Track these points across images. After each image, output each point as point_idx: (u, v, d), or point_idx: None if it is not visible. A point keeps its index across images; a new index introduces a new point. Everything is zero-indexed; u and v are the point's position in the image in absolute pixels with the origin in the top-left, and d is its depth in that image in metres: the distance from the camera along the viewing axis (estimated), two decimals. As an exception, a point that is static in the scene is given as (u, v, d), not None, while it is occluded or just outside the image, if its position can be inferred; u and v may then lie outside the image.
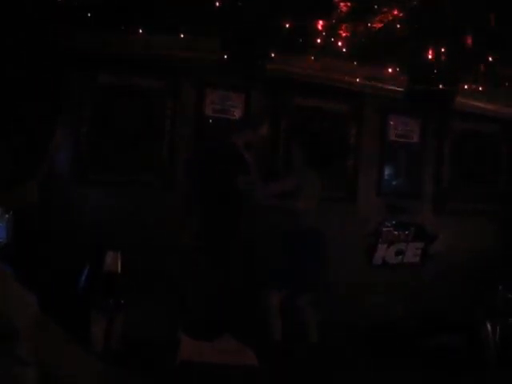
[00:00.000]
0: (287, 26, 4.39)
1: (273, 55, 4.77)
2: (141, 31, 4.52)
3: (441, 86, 4.90)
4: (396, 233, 5.17)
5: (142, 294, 2.62)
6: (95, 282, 2.27)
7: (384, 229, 5.12)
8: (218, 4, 4.03)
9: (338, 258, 4.61)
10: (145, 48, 4.60)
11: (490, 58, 4.39)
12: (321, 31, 4.52)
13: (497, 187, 5.64)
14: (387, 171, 5.38)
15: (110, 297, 2.10)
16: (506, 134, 5.63)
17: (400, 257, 5.20)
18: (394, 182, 5.41)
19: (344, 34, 4.50)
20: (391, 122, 5.35)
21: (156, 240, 4.52)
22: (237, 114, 5.08)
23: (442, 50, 4.39)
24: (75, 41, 4.24)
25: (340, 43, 4.56)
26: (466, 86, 4.97)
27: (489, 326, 4.54)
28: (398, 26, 4.20)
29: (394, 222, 5.17)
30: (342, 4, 4.20)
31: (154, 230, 4.54)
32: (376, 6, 4.17)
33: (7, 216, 3.55)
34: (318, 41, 4.57)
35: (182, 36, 4.61)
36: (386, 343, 4.51)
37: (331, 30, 4.47)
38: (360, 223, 4.99)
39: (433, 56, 4.54)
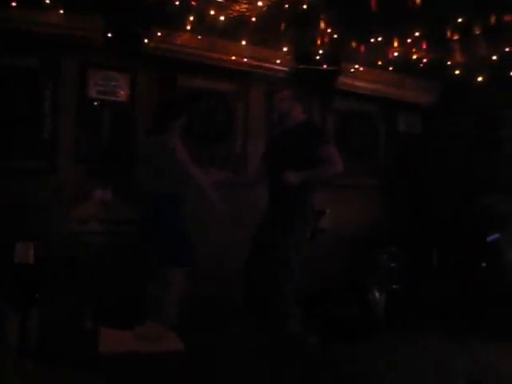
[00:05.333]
0: (176, 2, 4.29)
1: (159, 34, 4.64)
2: (14, 4, 4.17)
3: (325, 66, 5.10)
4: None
5: (46, 286, 2.44)
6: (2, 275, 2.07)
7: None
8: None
9: (230, 236, 4.74)
10: (18, 23, 4.25)
11: (372, 40, 4.62)
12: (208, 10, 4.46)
13: (377, 163, 5.99)
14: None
15: (23, 291, 1.93)
16: (383, 113, 5.98)
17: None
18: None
19: (232, 14, 4.48)
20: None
21: (44, 227, 4.24)
22: (121, 95, 4.89)
23: (328, 31, 4.54)
24: None
25: (229, 23, 4.53)
26: (348, 67, 5.21)
27: (376, 294, 4.82)
28: (286, 6, 4.27)
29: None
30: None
31: (42, 217, 4.27)
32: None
33: None
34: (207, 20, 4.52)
35: (61, 12, 4.32)
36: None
37: (219, 10, 4.43)
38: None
39: (318, 37, 4.68)
